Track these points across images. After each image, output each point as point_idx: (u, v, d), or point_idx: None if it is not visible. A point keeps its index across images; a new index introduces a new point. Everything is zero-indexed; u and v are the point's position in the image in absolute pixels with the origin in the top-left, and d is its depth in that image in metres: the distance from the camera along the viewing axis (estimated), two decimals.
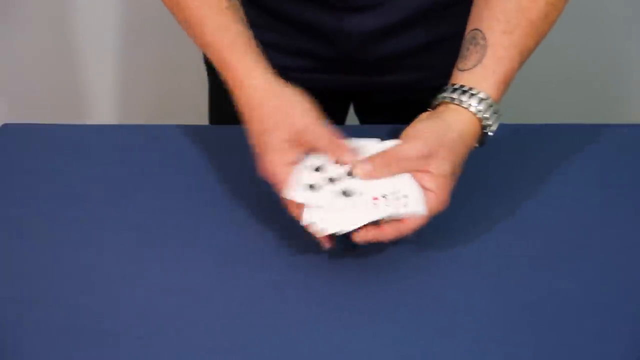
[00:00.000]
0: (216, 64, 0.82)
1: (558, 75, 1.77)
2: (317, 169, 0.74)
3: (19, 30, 1.73)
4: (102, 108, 1.87)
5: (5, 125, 0.97)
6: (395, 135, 0.80)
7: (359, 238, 0.73)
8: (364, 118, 1.18)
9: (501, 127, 0.81)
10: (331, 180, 0.73)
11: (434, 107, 0.81)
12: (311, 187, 0.73)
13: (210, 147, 0.93)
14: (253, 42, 0.82)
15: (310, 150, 0.75)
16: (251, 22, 1.01)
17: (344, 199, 0.72)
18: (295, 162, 0.75)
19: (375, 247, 0.78)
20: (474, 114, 0.77)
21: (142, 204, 0.85)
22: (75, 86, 1.83)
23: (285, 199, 0.74)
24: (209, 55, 0.83)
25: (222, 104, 1.14)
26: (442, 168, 0.73)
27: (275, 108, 0.77)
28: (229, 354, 0.70)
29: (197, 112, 1.19)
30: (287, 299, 0.75)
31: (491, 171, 0.81)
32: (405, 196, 0.72)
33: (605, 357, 0.70)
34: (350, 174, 0.74)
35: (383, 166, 0.73)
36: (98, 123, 0.99)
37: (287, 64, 1.03)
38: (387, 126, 0.94)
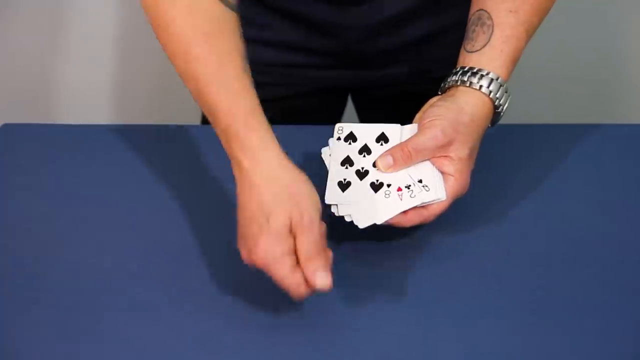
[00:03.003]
0: (224, 131, 0.73)
1: (558, 75, 1.77)
2: (343, 162, 0.77)
3: (18, 31, 1.73)
4: (102, 108, 1.87)
5: (5, 125, 0.97)
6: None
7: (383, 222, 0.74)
8: (363, 111, 1.18)
9: (501, 127, 0.81)
10: (358, 173, 0.76)
11: (443, 91, 0.81)
12: (340, 183, 0.76)
13: (210, 146, 0.92)
14: (263, 114, 0.74)
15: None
16: (252, 20, 1.01)
17: (372, 193, 0.75)
18: (287, 253, 0.68)
19: (375, 247, 0.78)
20: (486, 95, 0.77)
21: (141, 204, 0.85)
22: (74, 86, 1.83)
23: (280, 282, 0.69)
24: (216, 123, 0.74)
25: None
26: (461, 152, 0.75)
27: (284, 188, 0.70)
28: (229, 353, 0.70)
29: (197, 112, 1.19)
30: (286, 298, 0.75)
31: (491, 171, 0.81)
32: (427, 184, 0.74)
33: (605, 357, 0.70)
34: (375, 165, 0.76)
35: (403, 159, 0.75)
36: (97, 123, 0.99)
37: (288, 61, 1.03)
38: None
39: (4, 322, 0.73)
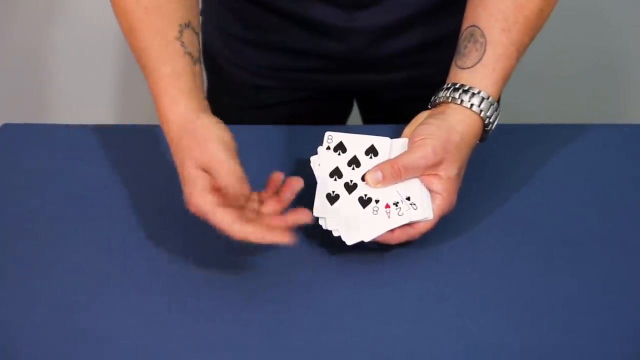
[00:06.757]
0: (152, 93, 0.80)
1: (558, 75, 1.77)
2: (332, 174, 0.77)
3: (18, 30, 1.73)
4: (102, 108, 1.87)
5: (5, 125, 0.97)
6: (399, 134, 0.80)
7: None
8: (368, 115, 1.18)
9: (500, 127, 0.81)
10: (347, 186, 0.76)
11: (433, 105, 0.81)
12: (329, 196, 0.76)
13: None
14: (188, 78, 0.78)
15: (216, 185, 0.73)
16: (257, 24, 1.01)
17: (360, 208, 0.75)
18: (210, 186, 0.72)
19: (373, 245, 0.78)
20: (476, 114, 0.77)
21: (141, 204, 0.85)
22: (75, 86, 1.83)
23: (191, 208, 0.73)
24: (148, 82, 0.81)
25: (220, 102, 1.14)
26: (450, 172, 0.76)
27: (186, 143, 0.74)
28: (229, 354, 0.70)
29: None
30: (285, 298, 0.75)
31: (490, 171, 0.81)
32: (415, 202, 0.74)
33: (605, 357, 0.70)
34: (363, 178, 0.77)
35: (392, 175, 0.75)
36: (97, 123, 0.99)
37: (295, 65, 1.03)
38: (391, 126, 0.94)
39: (4, 322, 0.73)
